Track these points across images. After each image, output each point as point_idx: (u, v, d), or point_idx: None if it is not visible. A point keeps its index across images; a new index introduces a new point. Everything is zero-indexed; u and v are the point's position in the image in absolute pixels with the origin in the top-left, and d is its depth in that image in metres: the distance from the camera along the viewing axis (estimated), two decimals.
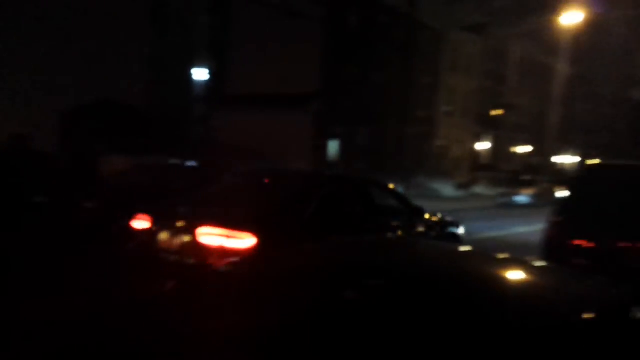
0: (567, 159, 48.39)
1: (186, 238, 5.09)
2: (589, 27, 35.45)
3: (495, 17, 33.32)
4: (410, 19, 22.92)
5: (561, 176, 39.40)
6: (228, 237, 4.86)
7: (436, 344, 1.61)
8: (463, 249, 3.19)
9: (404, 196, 7.32)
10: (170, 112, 32.10)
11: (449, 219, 7.73)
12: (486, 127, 37.63)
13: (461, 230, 7.80)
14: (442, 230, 7.25)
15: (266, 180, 6.46)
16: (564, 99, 43.07)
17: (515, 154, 39.65)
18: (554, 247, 6.18)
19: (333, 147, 27.13)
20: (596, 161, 6.63)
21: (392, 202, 6.98)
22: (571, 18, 27.33)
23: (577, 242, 6.08)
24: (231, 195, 6.06)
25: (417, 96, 29.01)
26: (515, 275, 2.41)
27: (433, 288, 1.97)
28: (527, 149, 40.88)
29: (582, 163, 50.17)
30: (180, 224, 5.18)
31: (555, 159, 45.68)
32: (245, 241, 4.81)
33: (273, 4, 22.70)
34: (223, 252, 4.76)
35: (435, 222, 7.26)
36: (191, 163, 16.91)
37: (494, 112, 37.59)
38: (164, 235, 5.26)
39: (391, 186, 7.65)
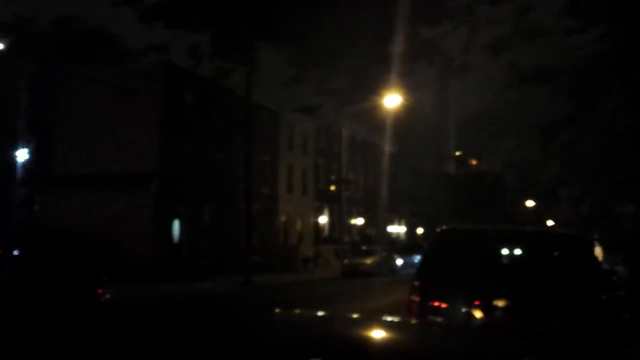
0: (397, 229, 52.07)
1: None
2: (408, 109, 39.51)
3: (326, 98, 35.66)
4: (246, 100, 23.60)
5: (395, 245, 42.14)
6: None
7: None
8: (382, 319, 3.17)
9: None
10: None
11: None
12: (324, 202, 39.28)
13: None
14: None
15: None
16: (390, 173, 46.88)
17: (352, 225, 41.68)
18: (415, 309, 6.46)
19: (176, 226, 26.18)
20: (447, 227, 7.17)
21: None
22: (392, 101, 30.24)
23: (434, 303, 6.40)
24: None
25: (258, 174, 29.48)
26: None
27: None
28: (361, 220, 43.26)
29: (411, 231, 54.14)
30: None
31: (388, 229, 48.89)
32: None
33: (103, 81, 21.93)
34: None
35: None
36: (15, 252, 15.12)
37: (330, 187, 39.46)
38: None
39: None
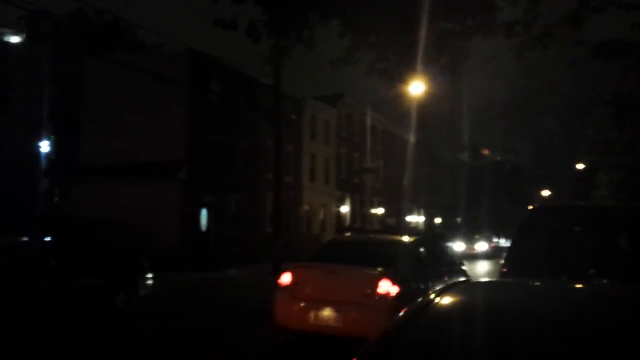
0: (416, 218, 51.79)
1: None
2: (431, 98, 39.09)
3: (347, 87, 35.37)
4: (276, 89, 23.30)
5: (417, 234, 41.83)
6: None
7: None
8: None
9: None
10: (13, 187, 28.77)
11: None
12: (346, 191, 39.07)
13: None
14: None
15: None
16: (411, 163, 46.57)
17: (373, 215, 41.48)
18: None
19: (203, 215, 26.10)
20: (538, 204, 6.88)
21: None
22: (416, 88, 29.75)
23: None
24: None
25: (282, 163, 29.27)
26: None
27: None
28: (382, 210, 43.04)
29: (429, 220, 53.61)
30: None
31: (407, 218, 48.61)
32: None
33: (128, 68, 21.65)
34: None
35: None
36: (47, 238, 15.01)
37: (355, 176, 39.26)
38: None
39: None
